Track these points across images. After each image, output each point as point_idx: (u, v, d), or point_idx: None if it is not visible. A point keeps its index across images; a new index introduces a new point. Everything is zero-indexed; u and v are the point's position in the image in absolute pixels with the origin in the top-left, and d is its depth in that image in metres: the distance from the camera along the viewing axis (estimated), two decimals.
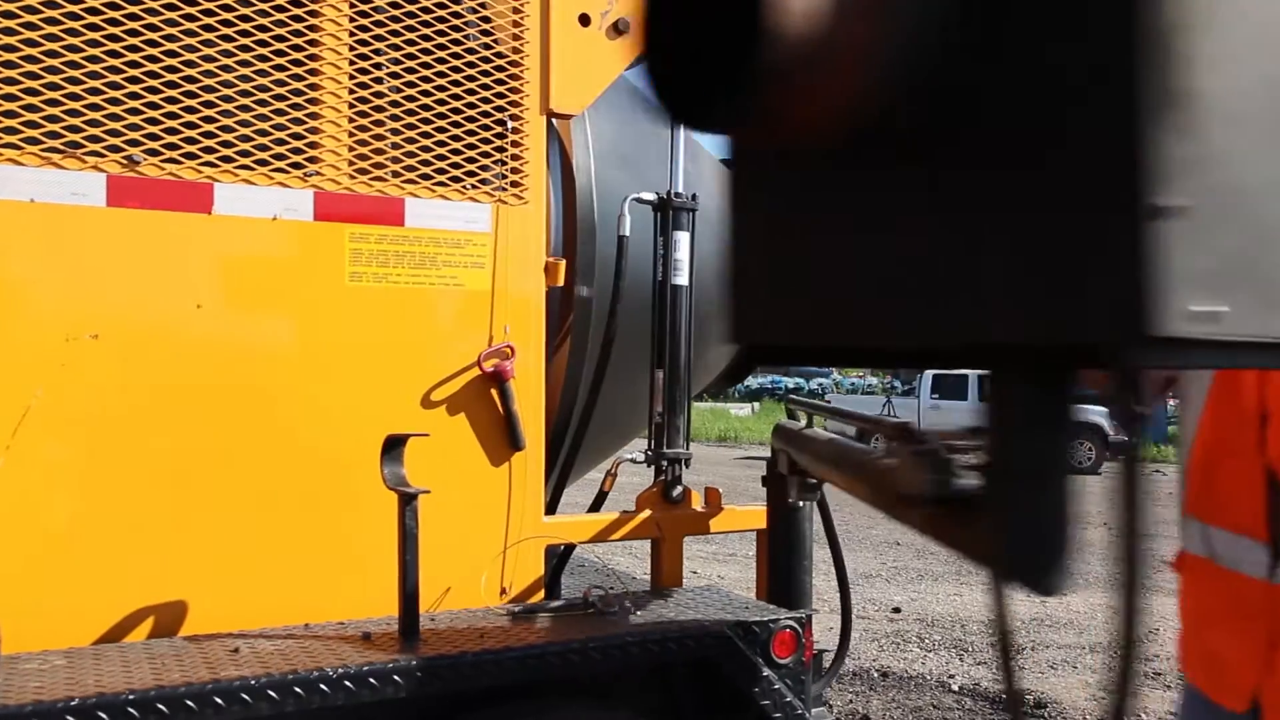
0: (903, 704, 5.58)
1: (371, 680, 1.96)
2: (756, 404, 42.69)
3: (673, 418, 2.87)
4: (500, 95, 2.56)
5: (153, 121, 2.19)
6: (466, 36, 2.53)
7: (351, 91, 2.39)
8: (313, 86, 2.34)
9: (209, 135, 2.24)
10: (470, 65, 2.52)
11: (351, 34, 2.38)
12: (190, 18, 2.21)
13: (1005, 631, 1.29)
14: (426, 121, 2.47)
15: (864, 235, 1.14)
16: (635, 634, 2.25)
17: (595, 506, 3.16)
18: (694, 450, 2.97)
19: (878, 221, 1.11)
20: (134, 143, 2.17)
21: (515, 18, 2.58)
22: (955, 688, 5.85)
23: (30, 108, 2.08)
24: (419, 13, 2.46)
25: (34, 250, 2.09)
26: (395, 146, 2.45)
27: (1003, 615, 1.24)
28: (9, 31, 2.06)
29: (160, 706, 1.78)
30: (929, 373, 23.42)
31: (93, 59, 2.13)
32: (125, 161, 2.16)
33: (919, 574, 9.23)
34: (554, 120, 2.73)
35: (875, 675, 6.08)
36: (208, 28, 2.23)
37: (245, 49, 2.27)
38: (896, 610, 7.74)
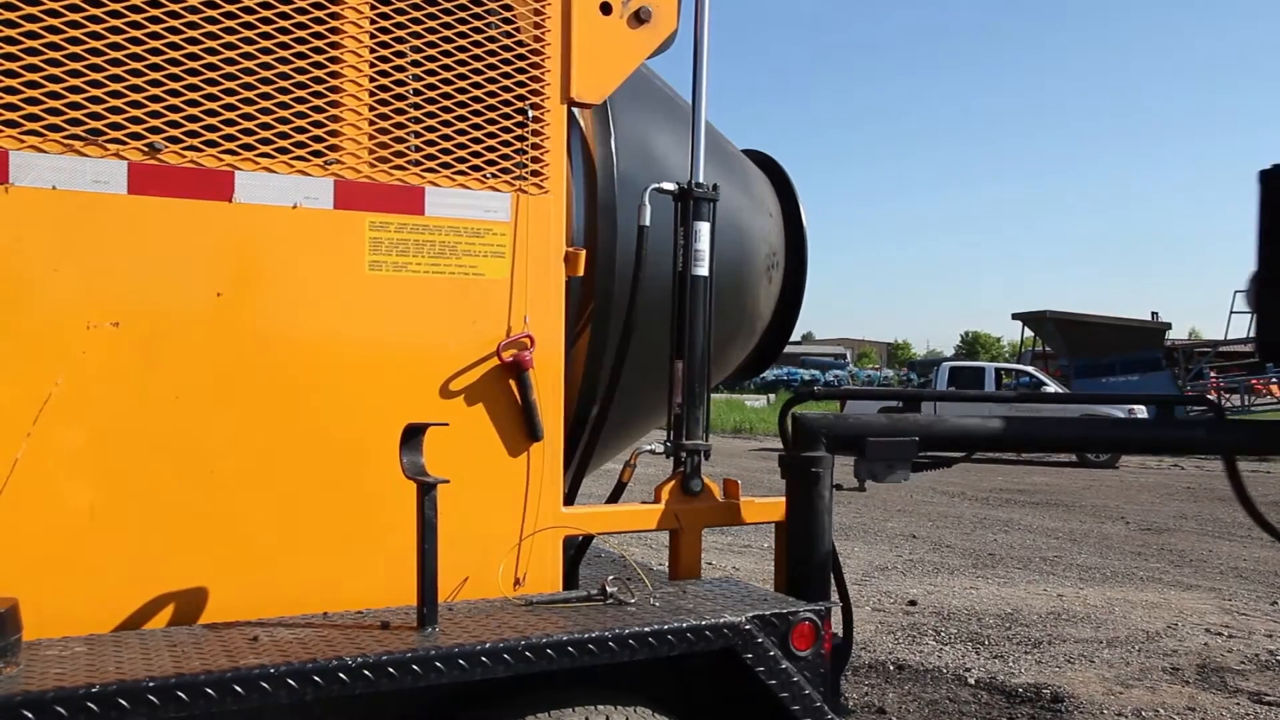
0: (919, 697, 5.56)
1: (390, 669, 1.96)
2: (771, 395, 42.67)
3: (692, 409, 2.85)
4: (521, 84, 2.55)
5: (174, 109, 2.19)
6: (488, 25, 2.52)
7: (372, 80, 2.38)
8: (334, 75, 2.33)
9: (230, 123, 2.24)
10: (491, 54, 2.51)
11: (372, 22, 2.38)
12: (212, 4, 2.21)
13: None
14: (447, 110, 2.46)
15: None
16: (653, 625, 2.24)
17: (614, 497, 3.16)
18: (710, 442, 2.95)
19: None
20: (155, 130, 2.17)
21: (537, 5, 2.56)
22: (971, 681, 5.83)
23: (53, 95, 2.08)
24: (441, 0, 2.45)
25: (56, 238, 2.09)
26: (416, 135, 2.44)
27: None
28: (32, 19, 2.06)
29: (180, 694, 1.78)
30: (945, 365, 23.37)
31: (114, 46, 2.13)
32: (147, 149, 2.16)
33: (935, 567, 9.20)
34: (575, 109, 2.72)
35: (891, 668, 6.06)
36: (229, 15, 2.23)
37: (266, 37, 2.26)
38: (912, 603, 7.72)
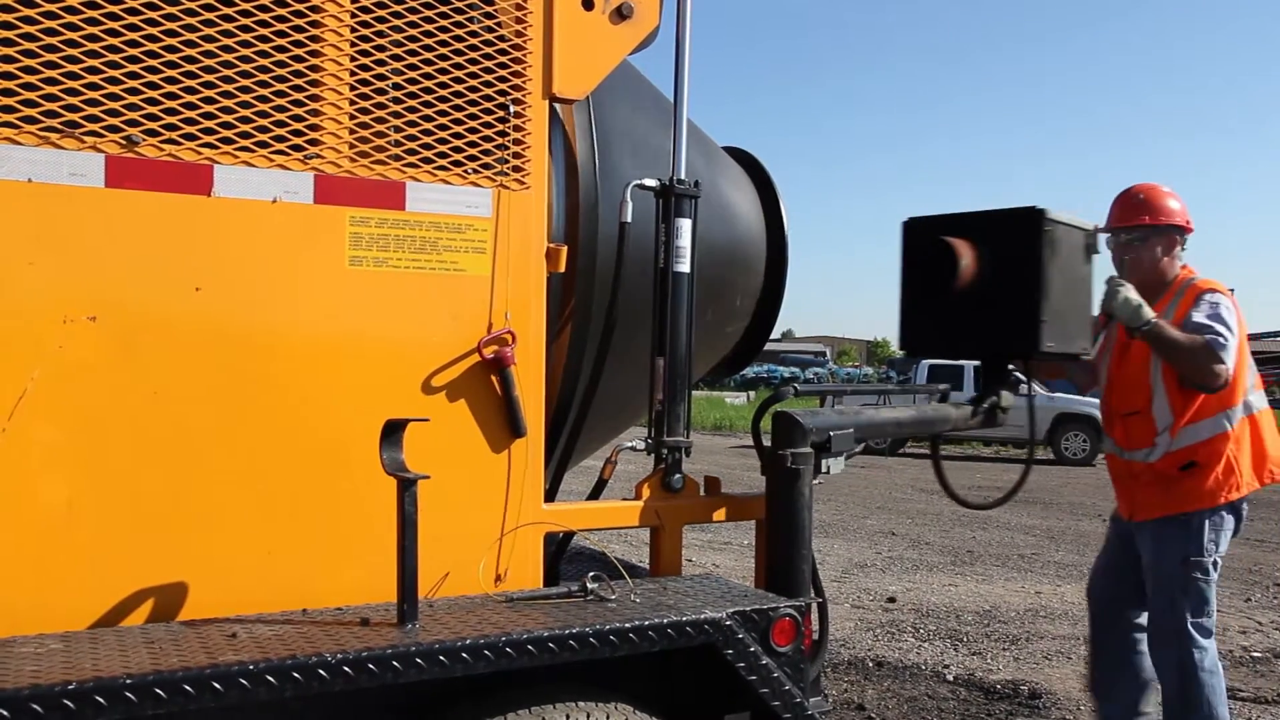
0: (898, 694, 5.59)
1: (370, 666, 1.95)
2: (751, 392, 42.76)
3: (673, 405, 2.85)
4: (503, 79, 2.54)
5: (152, 102, 2.17)
6: (469, 19, 2.51)
7: (353, 74, 2.37)
8: (314, 68, 2.32)
9: (209, 116, 2.22)
10: (473, 49, 2.50)
11: (353, 15, 2.36)
12: None
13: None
14: (428, 105, 2.45)
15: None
16: (634, 621, 2.24)
17: (595, 494, 3.16)
18: (691, 439, 2.96)
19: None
20: (133, 123, 2.15)
21: (518, 0, 2.55)
22: (950, 678, 5.86)
23: (29, 86, 2.06)
24: None
25: (31, 231, 2.06)
26: (396, 130, 2.43)
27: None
28: (8, 9, 2.03)
29: (158, 691, 1.77)
30: (924, 363, 23.44)
31: (92, 38, 2.11)
32: (124, 142, 2.14)
33: (914, 564, 9.25)
34: (557, 105, 2.71)
35: (870, 665, 6.09)
36: (208, 7, 2.21)
37: (246, 29, 2.25)
38: (891, 600, 7.75)
